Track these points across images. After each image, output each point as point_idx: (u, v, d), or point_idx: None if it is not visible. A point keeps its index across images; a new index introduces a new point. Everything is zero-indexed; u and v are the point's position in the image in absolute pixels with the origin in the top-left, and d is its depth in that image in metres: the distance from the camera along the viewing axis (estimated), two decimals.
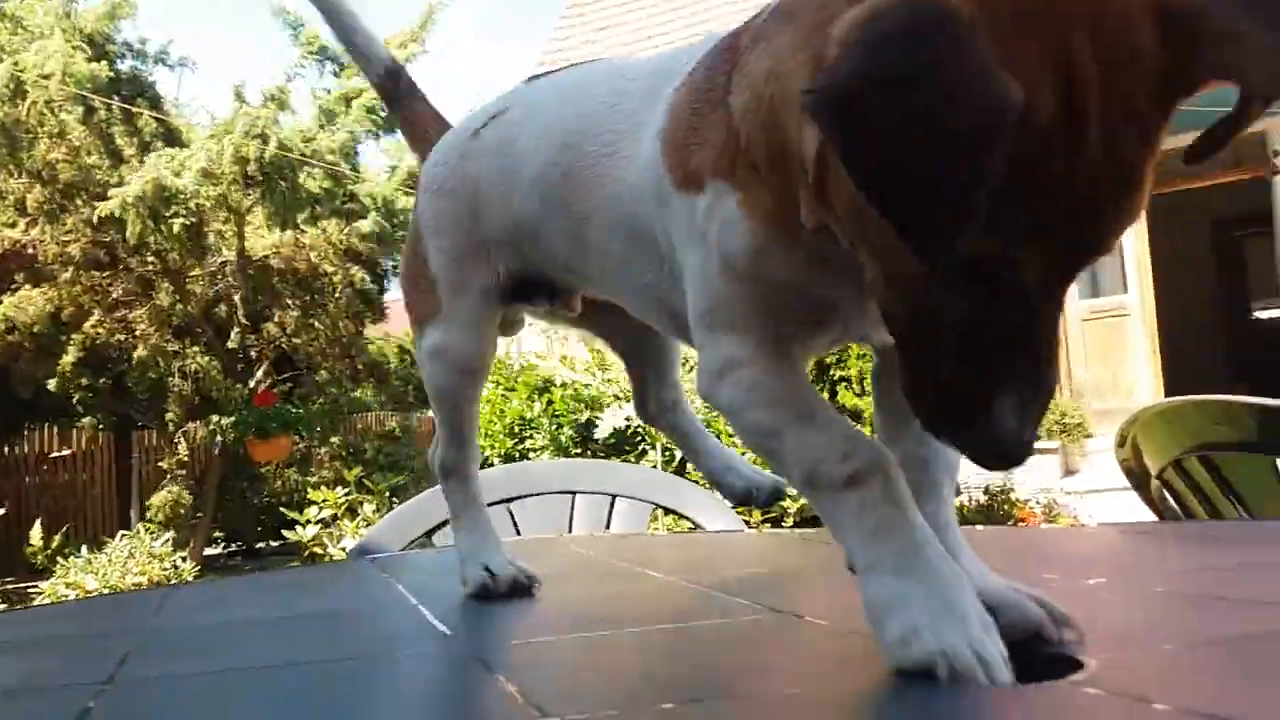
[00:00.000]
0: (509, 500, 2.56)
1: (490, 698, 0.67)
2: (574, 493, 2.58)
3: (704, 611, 0.92)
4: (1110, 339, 8.64)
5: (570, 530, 2.48)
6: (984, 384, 0.57)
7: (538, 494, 2.54)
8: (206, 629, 1.08)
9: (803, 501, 8.47)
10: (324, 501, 6.86)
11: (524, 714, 0.59)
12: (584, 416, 9.56)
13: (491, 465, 9.91)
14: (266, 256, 9.44)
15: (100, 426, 9.96)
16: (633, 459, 9.16)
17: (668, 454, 8.88)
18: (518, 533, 2.47)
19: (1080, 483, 7.33)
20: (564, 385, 9.58)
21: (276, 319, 9.77)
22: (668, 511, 2.67)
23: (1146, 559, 1.13)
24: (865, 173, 0.52)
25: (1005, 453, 0.58)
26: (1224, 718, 0.50)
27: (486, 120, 1.03)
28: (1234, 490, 1.54)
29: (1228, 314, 11.93)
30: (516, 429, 10.46)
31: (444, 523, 2.44)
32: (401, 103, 1.23)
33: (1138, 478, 1.78)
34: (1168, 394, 8.28)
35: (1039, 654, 0.63)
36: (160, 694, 0.77)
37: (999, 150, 0.49)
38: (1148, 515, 1.90)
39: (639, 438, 9.16)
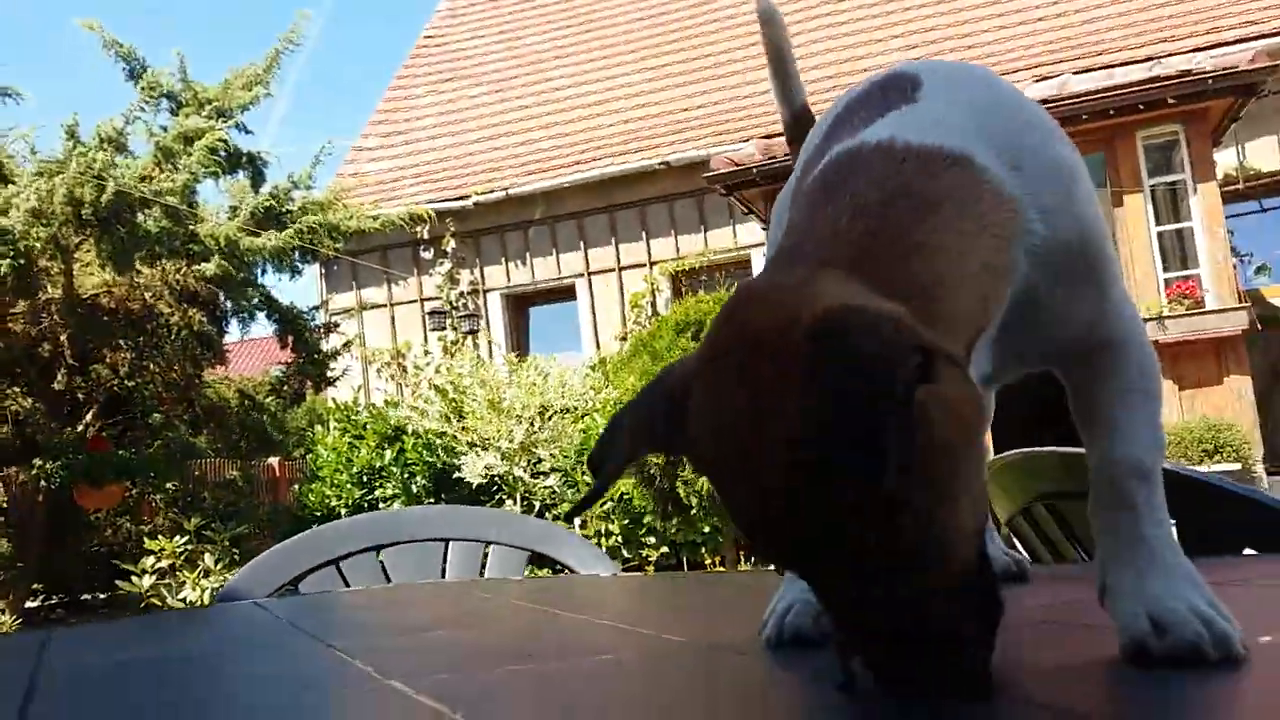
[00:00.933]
0: (378, 548, 2.52)
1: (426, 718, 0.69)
2: (447, 540, 2.56)
3: (626, 645, 0.96)
4: None
5: (443, 577, 2.47)
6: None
7: (413, 540, 2.52)
8: (104, 670, 1.05)
9: (661, 551, 8.54)
10: (161, 551, 6.49)
11: None
12: (439, 463, 9.39)
13: (339, 515, 9.59)
14: (97, 295, 8.93)
15: None
16: (489, 506, 9.06)
17: (525, 503, 8.82)
18: (388, 580, 2.44)
19: None
20: (415, 434, 9.39)
21: (108, 360, 9.23)
22: (542, 560, 2.69)
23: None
24: None
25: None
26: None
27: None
28: (1076, 536, 1.70)
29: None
30: (365, 478, 10.16)
31: (312, 569, 2.40)
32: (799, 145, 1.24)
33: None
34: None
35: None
36: None
37: None
38: None
39: (496, 488, 9.06)
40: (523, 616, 1.23)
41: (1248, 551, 1.41)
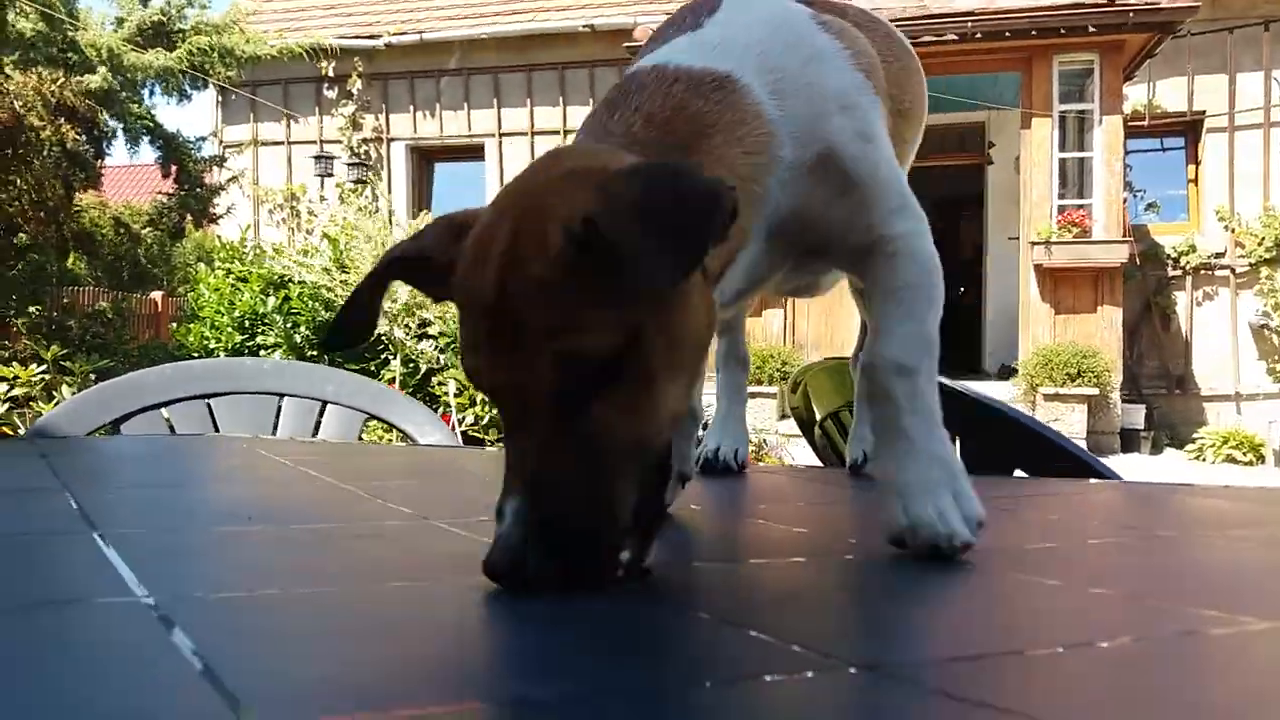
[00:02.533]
0: (207, 396, 2.46)
1: (89, 566, 0.67)
2: (282, 395, 2.51)
3: (350, 516, 0.95)
4: (832, 298, 9.35)
5: (274, 433, 2.42)
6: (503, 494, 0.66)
7: (243, 392, 2.46)
8: None
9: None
10: (15, 379, 6.23)
11: (117, 579, 0.60)
12: (323, 317, 9.18)
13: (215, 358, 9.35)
14: None
15: None
16: (373, 366, 8.94)
17: (411, 365, 8.73)
18: (216, 429, 2.38)
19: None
20: (302, 283, 9.12)
21: None
22: (386, 424, 2.65)
23: (790, 492, 1.28)
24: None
25: (495, 568, 0.64)
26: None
27: None
28: None
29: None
30: (248, 323, 9.88)
31: (134, 413, 2.32)
32: None
33: (805, 424, 1.98)
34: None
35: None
36: None
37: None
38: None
39: (381, 345, 8.93)
40: (279, 478, 1.21)
41: (1017, 473, 1.47)
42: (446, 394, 7.37)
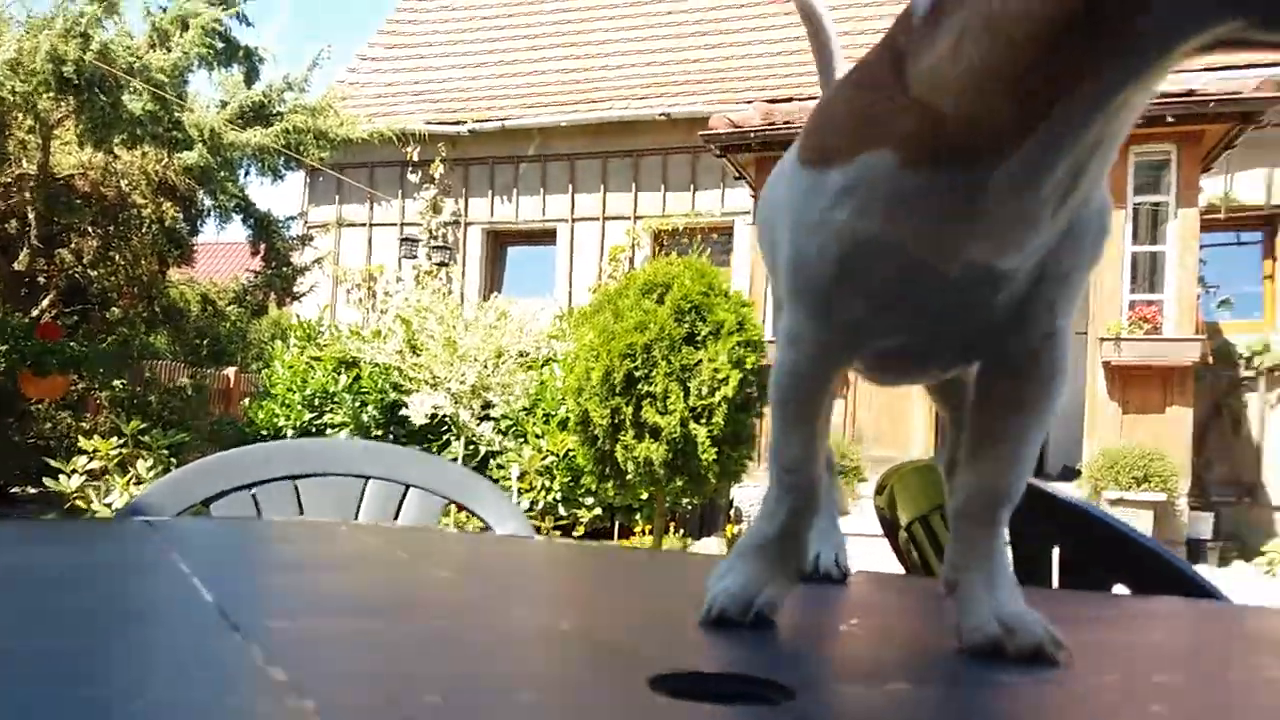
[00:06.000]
0: (295, 477, 2.53)
1: (237, 667, 0.70)
2: (367, 477, 2.57)
3: (474, 612, 0.98)
4: (895, 390, 9.25)
5: (357, 516, 2.47)
6: None
7: (326, 474, 2.52)
8: None
9: (595, 513, 8.58)
10: (95, 452, 6.44)
11: (269, 682, 0.62)
12: (390, 398, 9.36)
13: (285, 436, 9.54)
14: (71, 176, 8.79)
15: None
16: (434, 449, 9.04)
17: (471, 447, 8.81)
18: (301, 511, 2.44)
19: (847, 525, 7.81)
20: (374, 364, 9.31)
21: (73, 245, 9.10)
22: (460, 508, 2.70)
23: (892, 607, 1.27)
24: None
25: None
26: None
27: None
28: None
29: None
30: (317, 401, 10.10)
31: (226, 491, 2.39)
32: None
33: (890, 526, 1.96)
34: (936, 448, 8.97)
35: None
36: None
37: None
38: (895, 563, 2.09)
39: (444, 428, 9.04)
40: (394, 570, 1.24)
41: (1118, 589, 1.44)
42: (508, 477, 7.41)
